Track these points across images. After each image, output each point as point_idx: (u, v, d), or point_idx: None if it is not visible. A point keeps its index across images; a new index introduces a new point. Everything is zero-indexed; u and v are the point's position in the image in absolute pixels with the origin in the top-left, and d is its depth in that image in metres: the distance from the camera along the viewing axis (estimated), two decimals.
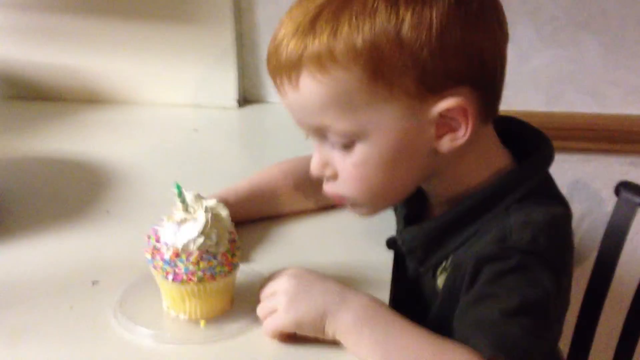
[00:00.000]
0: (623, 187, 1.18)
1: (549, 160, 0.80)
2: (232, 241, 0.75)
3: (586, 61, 1.33)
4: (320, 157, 0.78)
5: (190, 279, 0.72)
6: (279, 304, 0.72)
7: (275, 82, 0.76)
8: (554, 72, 1.35)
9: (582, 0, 1.29)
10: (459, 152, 0.75)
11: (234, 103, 1.42)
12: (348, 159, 0.75)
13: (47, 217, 0.98)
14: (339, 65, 0.70)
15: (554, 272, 0.70)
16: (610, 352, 1.23)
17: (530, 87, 1.35)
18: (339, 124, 0.73)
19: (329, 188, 0.80)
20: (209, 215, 0.72)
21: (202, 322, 0.74)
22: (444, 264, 0.80)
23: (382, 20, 0.68)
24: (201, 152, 1.24)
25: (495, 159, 0.79)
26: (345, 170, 0.76)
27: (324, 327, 0.70)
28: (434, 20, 0.68)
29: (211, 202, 0.74)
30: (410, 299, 0.84)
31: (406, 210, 0.86)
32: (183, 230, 0.72)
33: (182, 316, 0.75)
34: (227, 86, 1.41)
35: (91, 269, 0.85)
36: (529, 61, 1.33)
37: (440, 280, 0.80)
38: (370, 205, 0.80)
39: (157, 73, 1.41)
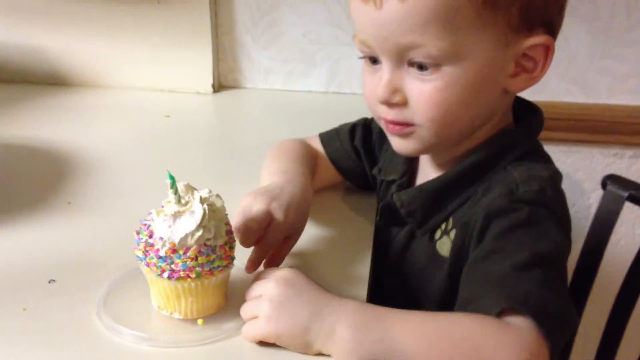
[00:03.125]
0: (609, 180, 1.17)
1: (542, 123, 0.83)
2: (228, 233, 0.71)
3: (573, 49, 1.32)
4: (391, 82, 0.75)
5: (187, 275, 0.67)
6: (261, 311, 0.67)
7: None
8: None
9: None
10: (510, 101, 0.79)
11: (209, 88, 1.38)
12: (429, 83, 0.73)
13: (1, 208, 0.92)
14: None
15: (561, 224, 0.71)
16: (594, 346, 1.21)
17: None
18: (437, 42, 0.71)
19: (394, 114, 0.76)
20: (205, 206, 0.67)
21: (200, 321, 0.70)
22: (443, 226, 0.79)
23: None
24: (173, 139, 1.20)
25: (505, 119, 0.81)
26: (423, 94, 0.74)
27: (305, 343, 0.65)
28: None
29: (204, 193, 0.70)
30: (397, 268, 0.84)
31: (394, 176, 0.88)
32: (179, 223, 0.67)
33: (176, 315, 0.70)
34: (202, 70, 1.37)
35: (48, 266, 0.79)
36: None
37: (442, 244, 0.79)
38: (434, 134, 0.76)
39: (128, 55, 1.36)
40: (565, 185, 1.38)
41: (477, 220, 0.72)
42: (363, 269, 0.81)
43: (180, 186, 0.69)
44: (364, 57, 0.78)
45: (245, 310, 0.69)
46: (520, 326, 0.61)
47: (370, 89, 0.78)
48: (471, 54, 0.72)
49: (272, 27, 1.36)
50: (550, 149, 1.34)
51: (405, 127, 0.77)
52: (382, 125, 0.80)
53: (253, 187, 0.83)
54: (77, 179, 1.01)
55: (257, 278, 0.71)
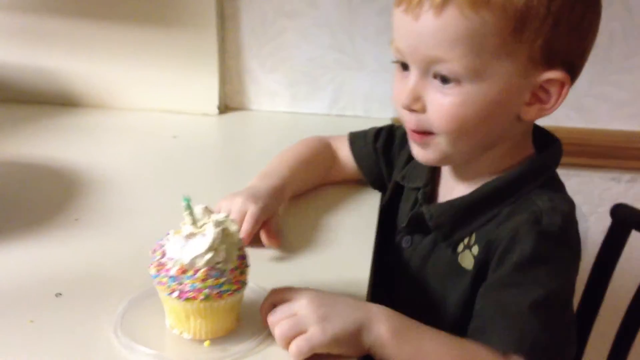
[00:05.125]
0: (618, 209, 1.18)
1: (561, 153, 0.88)
2: (241, 258, 0.72)
3: None
4: (415, 89, 0.81)
5: (195, 297, 0.68)
6: (307, 324, 0.68)
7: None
8: None
9: None
10: (526, 128, 0.84)
11: (215, 109, 1.40)
12: (449, 97, 0.78)
13: (11, 223, 0.94)
14: (490, 10, 0.74)
15: (576, 261, 0.80)
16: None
17: None
18: (462, 60, 0.76)
19: (414, 122, 0.83)
20: (218, 230, 0.69)
21: (207, 343, 0.71)
22: (466, 240, 0.85)
23: None
24: (179, 159, 1.22)
25: (526, 147, 0.87)
26: (442, 106, 0.79)
27: (360, 341, 0.69)
28: (577, 8, 0.76)
29: (220, 217, 0.71)
30: (418, 273, 0.91)
31: (419, 184, 0.94)
32: (190, 245, 0.68)
33: (185, 335, 0.72)
34: (209, 92, 1.39)
35: (55, 280, 0.81)
36: None
37: (464, 257, 0.84)
38: (449, 144, 0.82)
39: (136, 77, 1.38)
40: None
41: (503, 240, 0.79)
42: (363, 273, 0.86)
43: (198, 209, 0.70)
44: (396, 62, 0.84)
45: (283, 329, 0.69)
46: None
47: (397, 93, 0.84)
48: (492, 77, 0.77)
49: (277, 51, 1.39)
50: None
51: (425, 136, 0.83)
52: (407, 130, 0.86)
53: None
54: (84, 197, 1.03)
55: (271, 306, 0.72)
